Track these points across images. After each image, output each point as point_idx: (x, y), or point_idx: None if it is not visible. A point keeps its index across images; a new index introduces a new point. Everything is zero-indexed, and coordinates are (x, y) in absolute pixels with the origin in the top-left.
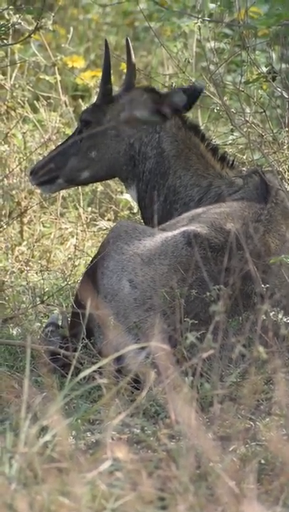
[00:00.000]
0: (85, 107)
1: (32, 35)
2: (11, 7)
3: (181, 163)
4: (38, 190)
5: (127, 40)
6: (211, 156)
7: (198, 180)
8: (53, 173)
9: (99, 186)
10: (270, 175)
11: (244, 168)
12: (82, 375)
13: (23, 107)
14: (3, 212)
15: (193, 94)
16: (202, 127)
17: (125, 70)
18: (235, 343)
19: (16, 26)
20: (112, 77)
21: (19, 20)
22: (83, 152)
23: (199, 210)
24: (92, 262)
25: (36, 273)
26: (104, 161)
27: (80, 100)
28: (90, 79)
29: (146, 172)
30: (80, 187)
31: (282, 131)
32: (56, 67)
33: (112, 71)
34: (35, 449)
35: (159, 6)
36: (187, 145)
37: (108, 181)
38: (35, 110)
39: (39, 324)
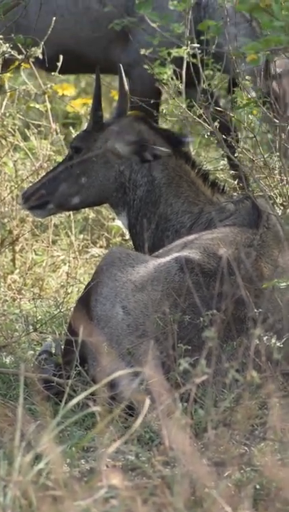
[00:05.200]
0: (76, 134)
1: (22, 64)
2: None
3: (172, 191)
4: (30, 215)
5: (119, 66)
6: (201, 182)
7: (190, 207)
8: (43, 198)
9: (90, 213)
10: (262, 199)
11: (235, 194)
12: (74, 401)
13: (13, 135)
14: None
15: (176, 143)
16: (193, 153)
17: (116, 97)
18: (229, 368)
19: (6, 55)
20: (103, 104)
21: (9, 50)
22: (73, 178)
23: (191, 236)
24: (85, 289)
25: (29, 301)
26: (94, 188)
27: (71, 128)
28: (81, 106)
29: (137, 200)
30: (71, 214)
31: (273, 156)
32: (46, 95)
33: (102, 98)
34: (29, 477)
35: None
36: (178, 172)
37: (100, 208)
38: (25, 138)
39: (32, 352)
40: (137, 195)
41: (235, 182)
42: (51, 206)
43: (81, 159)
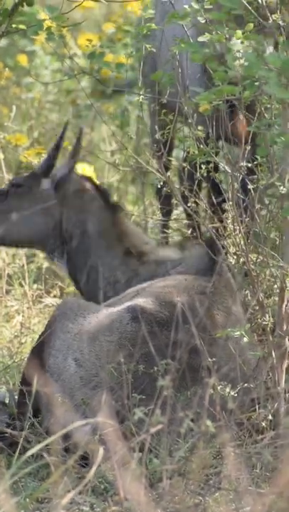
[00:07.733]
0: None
1: None
2: None
3: (103, 243)
4: None
5: (80, 128)
6: (141, 233)
7: (125, 260)
8: None
9: (44, 263)
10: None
11: (186, 242)
12: (29, 452)
13: None
14: None
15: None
16: (146, 203)
17: (70, 148)
18: (184, 417)
19: None
20: None
21: None
22: (1, 211)
23: (144, 284)
24: (38, 340)
25: None
26: (25, 229)
27: None
28: (34, 156)
29: (72, 251)
30: (25, 264)
31: (225, 205)
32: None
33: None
34: None
35: (101, 84)
36: (112, 225)
37: None
38: None
39: None
40: (72, 245)
41: (189, 231)
42: None
43: (18, 194)
